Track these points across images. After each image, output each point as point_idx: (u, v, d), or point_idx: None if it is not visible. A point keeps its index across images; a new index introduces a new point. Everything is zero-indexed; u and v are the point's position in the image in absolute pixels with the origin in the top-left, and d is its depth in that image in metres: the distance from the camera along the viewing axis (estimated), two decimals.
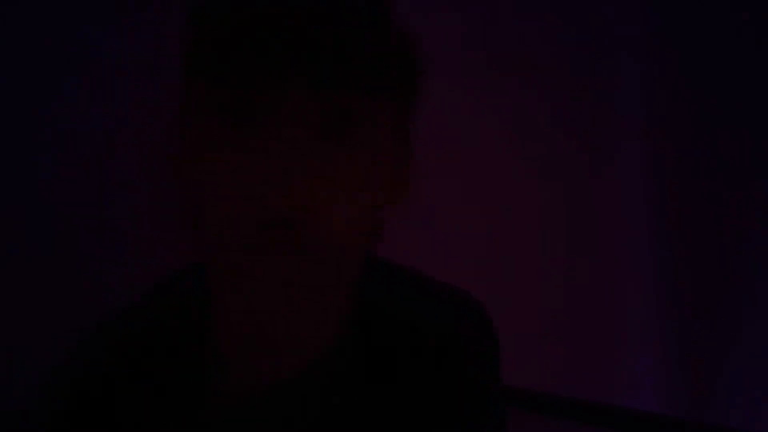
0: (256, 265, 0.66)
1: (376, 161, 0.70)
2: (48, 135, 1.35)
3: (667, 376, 1.90)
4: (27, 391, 1.00)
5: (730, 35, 1.79)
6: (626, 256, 1.91)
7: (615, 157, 1.89)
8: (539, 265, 1.79)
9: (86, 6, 1.36)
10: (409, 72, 0.73)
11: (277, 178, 0.64)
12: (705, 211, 1.86)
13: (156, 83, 1.41)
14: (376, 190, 0.71)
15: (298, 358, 0.74)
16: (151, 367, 0.75)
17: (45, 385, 0.76)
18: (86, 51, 1.36)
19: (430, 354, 0.78)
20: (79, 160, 1.36)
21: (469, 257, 1.62)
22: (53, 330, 1.30)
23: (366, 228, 0.71)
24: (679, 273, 1.89)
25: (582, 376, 1.81)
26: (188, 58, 0.71)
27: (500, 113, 1.73)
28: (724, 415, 1.82)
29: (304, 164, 0.65)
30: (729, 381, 1.83)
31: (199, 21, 0.70)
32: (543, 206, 1.79)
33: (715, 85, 1.82)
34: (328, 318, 0.75)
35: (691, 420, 1.81)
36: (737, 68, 1.79)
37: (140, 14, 1.39)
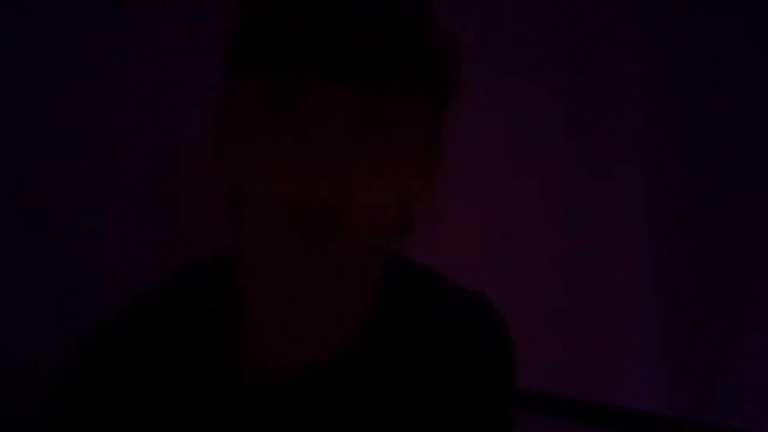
0: (289, 250, 0.69)
1: (407, 160, 0.73)
2: (48, 135, 1.35)
3: (667, 376, 1.90)
4: (27, 391, 1.00)
5: (730, 35, 1.79)
6: (626, 256, 1.91)
7: (615, 157, 1.89)
8: (539, 265, 1.79)
9: (86, 6, 1.36)
10: (447, 78, 0.76)
11: (313, 163, 0.68)
12: (705, 211, 1.86)
13: (156, 83, 1.41)
14: (406, 188, 0.73)
15: (323, 349, 0.76)
16: (173, 361, 0.76)
17: (58, 383, 0.76)
18: (86, 51, 1.36)
19: (449, 354, 0.82)
20: (79, 160, 1.36)
21: (469, 257, 1.62)
22: (53, 330, 1.30)
23: (393, 224, 0.74)
24: (679, 273, 1.89)
25: (582, 376, 1.81)
26: (236, 47, 0.73)
27: (501, 113, 1.73)
28: (724, 415, 1.82)
29: (341, 153, 0.68)
30: (729, 381, 1.83)
31: (250, 12, 0.73)
32: (543, 206, 1.79)
33: (715, 86, 1.83)
34: (353, 310, 0.77)
35: (691, 420, 1.81)
36: (737, 68, 1.79)
37: (140, 14, 1.39)
